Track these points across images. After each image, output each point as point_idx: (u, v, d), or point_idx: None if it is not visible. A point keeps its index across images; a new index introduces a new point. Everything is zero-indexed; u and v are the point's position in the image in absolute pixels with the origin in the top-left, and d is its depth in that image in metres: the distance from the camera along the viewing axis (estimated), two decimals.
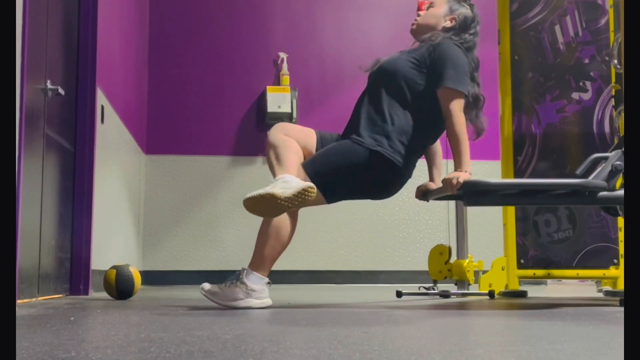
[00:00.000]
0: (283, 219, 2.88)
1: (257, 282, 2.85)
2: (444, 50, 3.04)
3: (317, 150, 3.04)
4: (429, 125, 3.07)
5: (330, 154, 2.97)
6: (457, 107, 2.96)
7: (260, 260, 2.87)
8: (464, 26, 3.19)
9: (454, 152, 2.95)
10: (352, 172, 2.95)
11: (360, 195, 3.12)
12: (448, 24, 3.19)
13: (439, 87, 2.98)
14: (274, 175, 2.84)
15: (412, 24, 3.27)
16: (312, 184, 2.71)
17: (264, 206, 2.68)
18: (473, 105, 3.12)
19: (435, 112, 3.02)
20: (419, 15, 3.26)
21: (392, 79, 3.05)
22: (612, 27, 4.21)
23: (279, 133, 2.96)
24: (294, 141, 2.95)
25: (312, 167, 2.92)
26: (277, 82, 6.90)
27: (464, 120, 2.97)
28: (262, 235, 2.89)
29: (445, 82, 2.97)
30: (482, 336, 1.83)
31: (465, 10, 3.22)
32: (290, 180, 2.72)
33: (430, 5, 3.27)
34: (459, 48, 3.09)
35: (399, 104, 3.02)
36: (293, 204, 2.70)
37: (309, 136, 3.05)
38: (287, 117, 6.73)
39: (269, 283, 2.90)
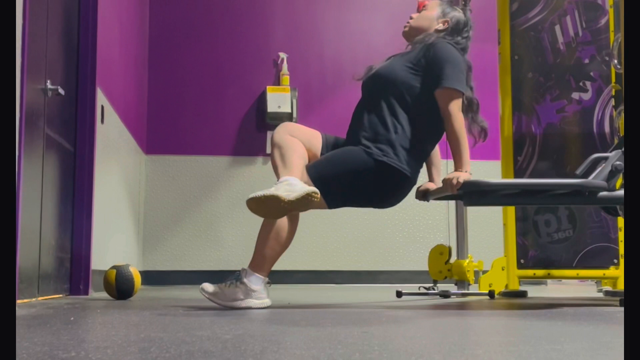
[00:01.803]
0: (283, 221, 2.88)
1: (257, 282, 2.85)
2: (439, 50, 3.02)
3: (322, 153, 3.02)
4: (430, 129, 3.06)
5: (335, 159, 2.94)
6: (455, 107, 2.95)
7: (261, 261, 2.87)
8: (456, 29, 3.17)
9: (454, 152, 2.94)
10: (356, 179, 2.93)
11: (363, 203, 3.08)
12: (441, 26, 3.18)
13: (438, 88, 2.96)
14: (278, 176, 2.82)
15: (405, 26, 3.25)
16: (316, 189, 2.70)
17: (267, 207, 2.68)
18: (468, 109, 3.11)
19: (434, 115, 3.01)
20: (411, 18, 3.26)
21: (390, 85, 3.02)
22: (612, 27, 4.21)
23: (284, 133, 2.94)
24: (300, 142, 2.93)
25: (316, 171, 2.90)
26: (277, 82, 6.90)
27: (463, 120, 2.97)
28: (262, 237, 2.88)
29: (444, 82, 2.95)
30: (482, 336, 1.83)
31: (458, 14, 3.21)
32: (294, 184, 2.71)
33: (424, 8, 3.26)
34: (454, 47, 3.08)
35: (399, 110, 2.99)
36: (296, 208, 2.70)
37: (314, 138, 3.03)
38: (287, 117, 6.73)
39: (268, 283, 2.90)
